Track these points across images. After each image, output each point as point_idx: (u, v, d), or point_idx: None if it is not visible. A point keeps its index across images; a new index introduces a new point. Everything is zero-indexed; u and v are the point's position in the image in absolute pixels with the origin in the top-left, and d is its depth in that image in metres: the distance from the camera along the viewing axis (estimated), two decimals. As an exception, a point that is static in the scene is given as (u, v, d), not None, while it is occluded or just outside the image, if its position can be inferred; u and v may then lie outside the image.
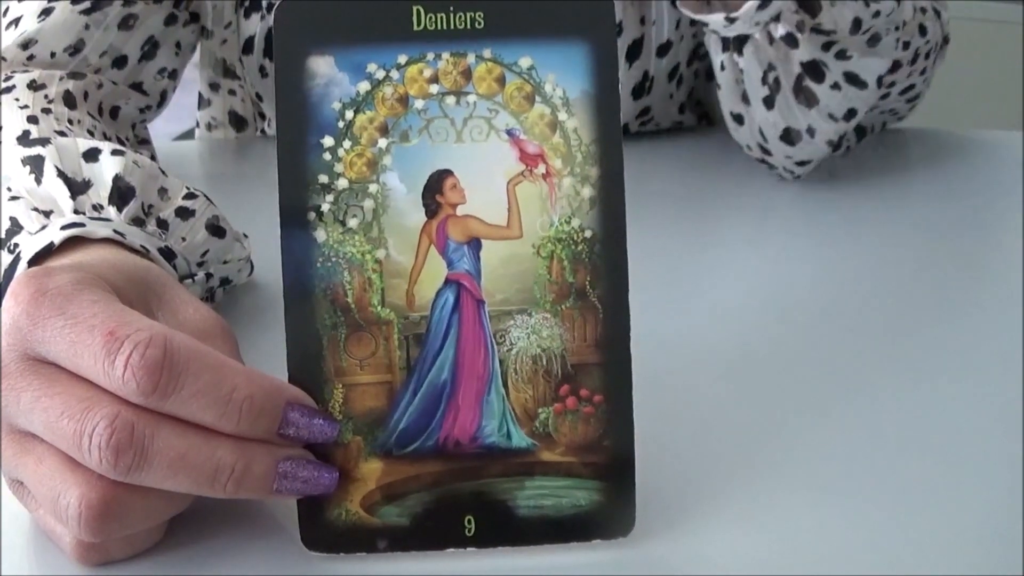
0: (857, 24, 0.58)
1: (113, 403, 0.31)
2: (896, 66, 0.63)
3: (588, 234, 0.35)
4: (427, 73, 0.35)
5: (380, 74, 0.35)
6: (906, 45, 0.63)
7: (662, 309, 0.51)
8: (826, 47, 0.60)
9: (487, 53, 0.35)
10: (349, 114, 0.35)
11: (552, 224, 0.35)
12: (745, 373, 0.46)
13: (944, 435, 0.42)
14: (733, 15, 0.57)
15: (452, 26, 0.35)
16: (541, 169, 0.35)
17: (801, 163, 0.66)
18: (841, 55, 0.60)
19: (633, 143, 0.76)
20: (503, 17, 0.35)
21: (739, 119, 0.66)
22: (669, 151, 0.75)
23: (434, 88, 0.35)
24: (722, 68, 0.64)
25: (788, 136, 0.64)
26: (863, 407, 0.44)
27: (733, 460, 0.40)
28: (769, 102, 0.63)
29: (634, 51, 0.72)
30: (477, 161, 0.35)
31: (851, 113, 0.62)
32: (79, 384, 0.32)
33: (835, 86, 0.61)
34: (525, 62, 0.35)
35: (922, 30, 0.65)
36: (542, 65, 0.35)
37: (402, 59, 0.35)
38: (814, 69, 0.61)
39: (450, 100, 0.35)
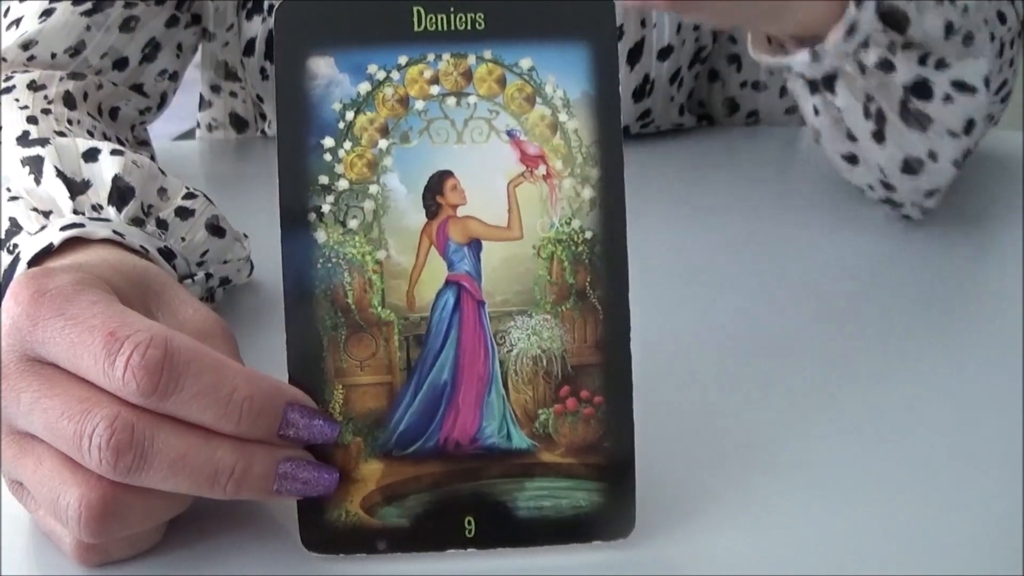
0: (949, 28, 0.54)
1: (113, 404, 0.31)
2: (992, 58, 0.58)
3: (588, 235, 0.35)
4: (428, 74, 0.35)
5: (381, 75, 0.35)
6: (992, 37, 0.58)
7: (662, 310, 0.51)
8: (923, 61, 0.54)
9: (488, 54, 0.35)
10: (349, 115, 0.35)
11: (552, 225, 0.35)
12: (745, 373, 0.46)
13: (944, 435, 0.42)
14: (818, 48, 0.52)
15: (453, 27, 0.35)
16: (541, 170, 0.35)
17: (929, 193, 0.59)
18: (941, 65, 0.54)
19: (633, 144, 0.76)
20: (504, 18, 0.35)
21: (851, 159, 0.59)
22: (669, 152, 0.75)
23: (435, 89, 0.35)
24: (816, 112, 0.58)
25: (909, 166, 0.57)
26: (864, 407, 0.44)
27: (733, 460, 0.40)
28: (879, 136, 0.56)
29: (635, 54, 0.72)
30: (477, 162, 0.35)
31: (970, 124, 0.56)
32: (79, 385, 0.32)
33: (947, 98, 0.55)
34: (526, 63, 0.35)
35: (1001, 18, 0.60)
36: (543, 66, 0.35)
37: (403, 60, 0.35)
38: (919, 88, 0.55)
39: (451, 101, 0.35)
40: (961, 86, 0.55)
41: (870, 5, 0.51)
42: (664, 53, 0.73)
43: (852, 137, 0.57)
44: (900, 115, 0.55)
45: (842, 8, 0.51)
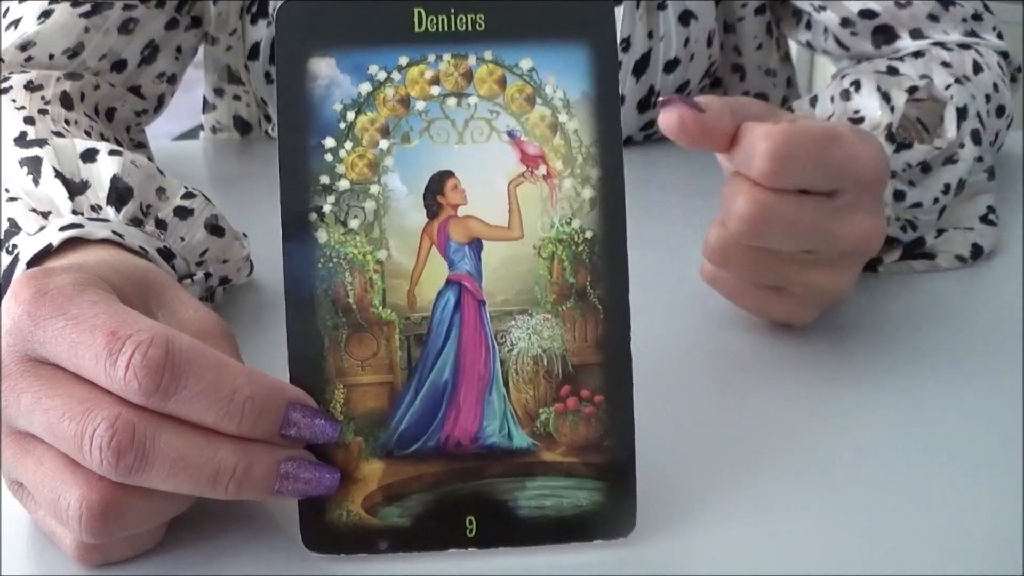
0: (941, 212, 0.54)
1: (114, 404, 0.31)
2: (992, 171, 0.58)
3: (589, 235, 0.35)
4: (428, 75, 0.35)
5: (381, 75, 0.35)
6: (993, 141, 0.59)
7: (663, 309, 0.51)
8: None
9: (488, 55, 0.35)
10: (350, 115, 0.35)
11: (553, 225, 0.35)
12: (746, 373, 0.46)
13: (944, 435, 0.42)
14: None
15: (453, 28, 0.35)
16: (542, 170, 0.35)
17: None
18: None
19: (634, 146, 0.76)
20: (504, 19, 0.35)
21: None
22: (669, 152, 0.75)
23: (435, 90, 0.35)
24: None
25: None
26: (864, 407, 0.44)
27: (734, 460, 0.40)
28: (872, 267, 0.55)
29: (641, 66, 0.72)
30: (478, 162, 0.35)
31: (978, 250, 0.55)
32: (80, 385, 0.32)
33: (939, 232, 0.55)
34: (526, 64, 0.35)
35: (999, 111, 0.61)
36: (543, 67, 0.35)
37: (403, 61, 0.35)
38: (907, 250, 0.55)
39: (451, 102, 0.35)
40: (956, 228, 0.55)
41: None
42: (671, 66, 0.73)
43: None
44: (898, 261, 0.55)
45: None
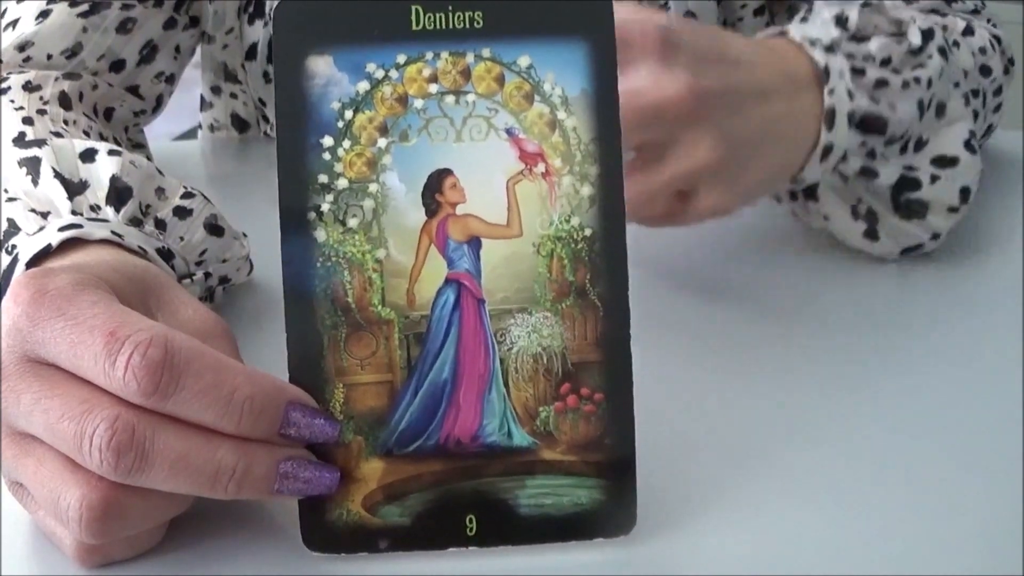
0: (920, 107, 0.53)
1: (113, 404, 0.31)
2: (974, 117, 0.58)
3: (588, 232, 0.35)
4: (426, 72, 0.35)
5: (379, 74, 0.35)
6: (975, 93, 0.58)
7: (663, 307, 0.51)
8: (903, 150, 0.53)
9: (486, 52, 0.35)
10: (348, 114, 0.35)
11: (552, 223, 0.35)
12: (746, 371, 0.46)
13: (945, 435, 0.42)
14: (795, 176, 0.52)
15: (451, 25, 0.35)
16: (540, 168, 0.35)
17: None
18: (920, 145, 0.54)
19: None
20: (502, 16, 0.35)
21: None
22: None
23: (433, 87, 0.35)
24: (794, 215, 0.57)
25: (912, 249, 0.56)
26: (864, 406, 0.44)
27: (735, 458, 0.40)
28: (872, 234, 0.55)
29: None
30: (477, 160, 0.35)
31: (966, 192, 0.55)
32: (79, 385, 0.32)
33: (933, 179, 0.54)
34: (524, 61, 0.35)
35: (984, 71, 0.60)
36: (541, 64, 0.35)
37: (401, 59, 0.35)
38: (907, 182, 0.54)
39: (449, 99, 0.35)
40: (942, 161, 0.54)
41: (842, 122, 0.51)
42: None
43: (841, 239, 0.56)
44: (893, 210, 0.54)
45: (816, 133, 0.51)
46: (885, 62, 0.53)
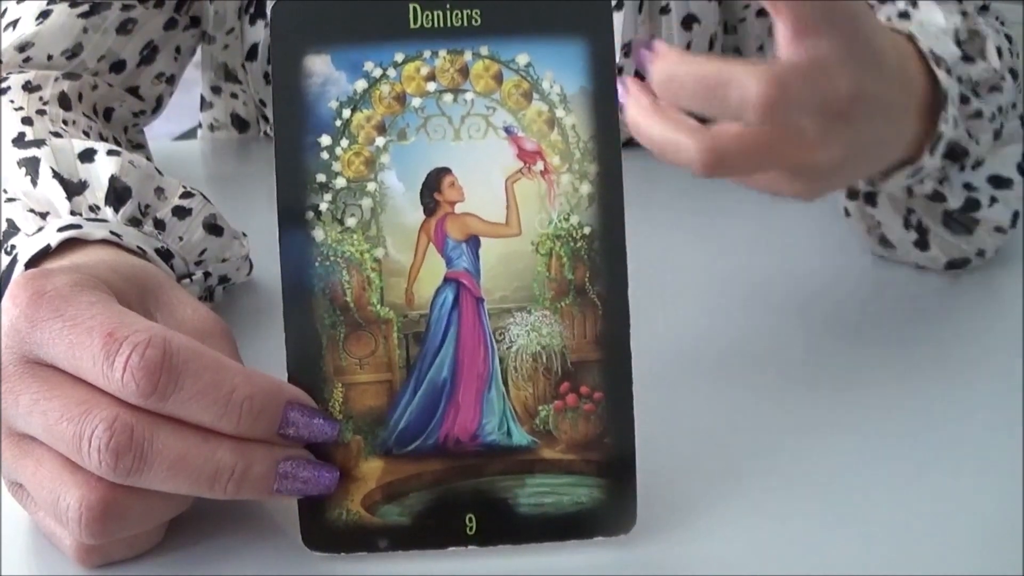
0: (996, 136, 0.52)
1: (112, 405, 0.31)
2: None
3: (587, 231, 0.35)
4: (424, 71, 0.35)
5: (377, 72, 0.35)
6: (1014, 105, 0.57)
7: (662, 306, 0.50)
8: (962, 167, 0.53)
9: (484, 50, 0.35)
10: (346, 113, 0.35)
11: (551, 221, 0.35)
12: (746, 370, 0.46)
13: (944, 435, 0.42)
14: (877, 183, 0.51)
15: (449, 24, 0.35)
16: (539, 166, 0.35)
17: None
18: (977, 164, 0.53)
19: (633, 145, 0.75)
20: (500, 14, 0.35)
21: (883, 257, 0.57)
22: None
23: (431, 86, 0.35)
24: (847, 214, 0.56)
25: (955, 264, 0.55)
26: (864, 406, 0.44)
27: (734, 457, 0.40)
28: (922, 244, 0.54)
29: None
30: (475, 159, 0.35)
31: (1016, 215, 0.54)
32: (78, 386, 0.32)
33: (992, 200, 0.53)
34: (522, 59, 0.35)
35: (1014, 74, 0.58)
36: (539, 62, 0.35)
37: (399, 57, 0.35)
38: (969, 203, 0.53)
39: (447, 98, 0.35)
40: (998, 181, 0.54)
41: (940, 149, 0.49)
42: None
43: (888, 243, 0.55)
44: (944, 224, 0.54)
45: (911, 151, 0.48)
46: (977, 85, 0.52)
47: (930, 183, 0.52)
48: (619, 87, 0.37)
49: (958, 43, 0.52)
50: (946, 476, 0.39)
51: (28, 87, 0.56)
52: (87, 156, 0.46)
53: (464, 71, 0.35)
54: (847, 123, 0.43)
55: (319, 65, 0.34)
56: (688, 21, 0.72)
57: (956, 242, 0.54)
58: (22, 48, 0.59)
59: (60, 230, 0.41)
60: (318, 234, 0.34)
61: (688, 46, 0.72)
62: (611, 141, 0.35)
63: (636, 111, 0.42)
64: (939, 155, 0.50)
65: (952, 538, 0.36)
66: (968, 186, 0.53)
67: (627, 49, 0.70)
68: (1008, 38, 0.64)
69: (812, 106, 0.42)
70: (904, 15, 0.56)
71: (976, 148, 0.52)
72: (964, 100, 0.51)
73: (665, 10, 0.71)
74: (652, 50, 0.41)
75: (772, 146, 0.42)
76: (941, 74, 0.49)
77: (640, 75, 0.42)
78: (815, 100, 0.42)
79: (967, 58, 0.52)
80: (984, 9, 0.65)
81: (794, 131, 0.42)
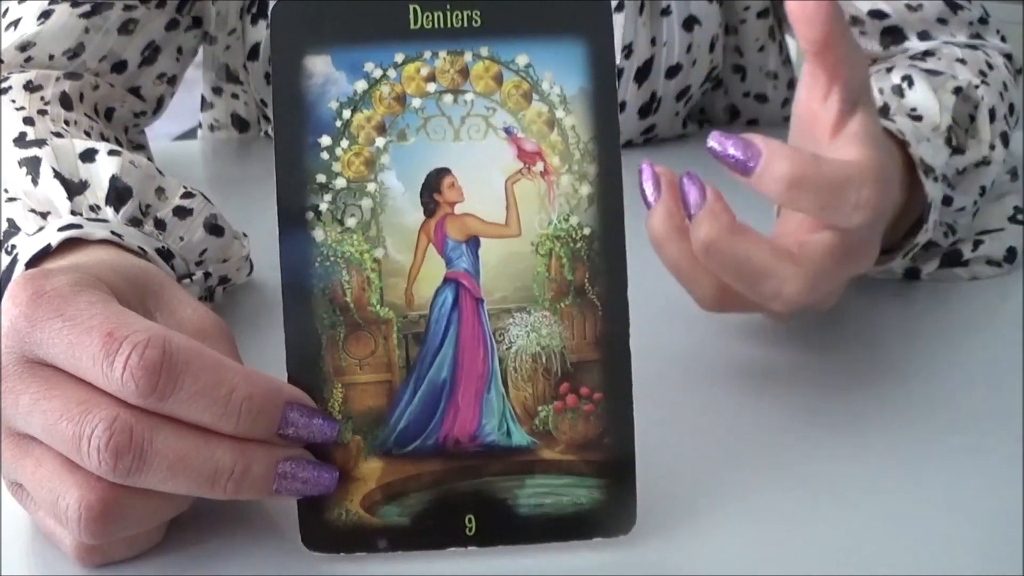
0: (975, 215, 0.54)
1: (112, 405, 0.31)
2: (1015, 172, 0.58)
3: (587, 231, 0.35)
4: (424, 72, 0.35)
5: (377, 73, 0.35)
6: (1004, 137, 0.57)
7: (662, 306, 0.50)
8: (945, 235, 0.53)
9: (484, 51, 0.35)
10: (346, 113, 0.35)
11: (550, 222, 0.35)
12: (746, 371, 0.46)
13: (944, 435, 0.42)
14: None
15: (449, 24, 0.35)
16: (539, 167, 0.35)
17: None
18: (964, 228, 0.54)
19: (633, 146, 0.75)
20: (500, 15, 0.35)
21: None
22: (668, 150, 0.75)
23: (431, 87, 0.35)
24: None
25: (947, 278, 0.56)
26: (864, 406, 0.44)
27: (734, 457, 0.40)
28: (914, 274, 0.55)
29: (643, 72, 0.72)
30: (475, 159, 0.35)
31: (1012, 252, 0.55)
32: (78, 386, 0.32)
33: (976, 245, 0.54)
34: (522, 60, 0.35)
35: (1012, 110, 0.60)
36: (539, 63, 0.35)
37: (399, 58, 0.35)
38: (948, 258, 0.54)
39: (447, 98, 0.35)
40: (987, 231, 0.54)
41: (913, 251, 0.50)
42: (672, 71, 0.72)
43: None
44: (937, 271, 0.54)
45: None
46: (961, 171, 0.52)
47: (900, 266, 0.53)
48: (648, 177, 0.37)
49: (950, 144, 0.52)
50: (946, 476, 0.39)
51: (29, 87, 0.56)
52: (88, 156, 0.46)
53: (464, 72, 0.35)
54: (854, 235, 0.42)
55: (319, 65, 0.34)
56: (689, 22, 0.72)
57: (948, 274, 0.55)
58: (23, 48, 0.59)
59: (61, 230, 0.41)
60: (318, 234, 0.34)
61: (688, 48, 0.72)
62: (611, 142, 0.35)
63: (717, 231, 0.40)
64: (912, 253, 0.50)
65: (952, 538, 0.36)
66: (951, 244, 0.54)
67: (627, 51, 0.70)
68: (1008, 56, 0.64)
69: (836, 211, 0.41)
70: (898, 91, 0.56)
71: (950, 237, 0.53)
72: (947, 202, 0.51)
73: (666, 11, 0.71)
74: (697, 196, 0.41)
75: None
76: (928, 184, 0.49)
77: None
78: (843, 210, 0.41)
79: (957, 151, 0.52)
80: (983, 22, 0.65)
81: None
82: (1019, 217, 0.56)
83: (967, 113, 0.55)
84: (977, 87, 0.56)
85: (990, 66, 0.61)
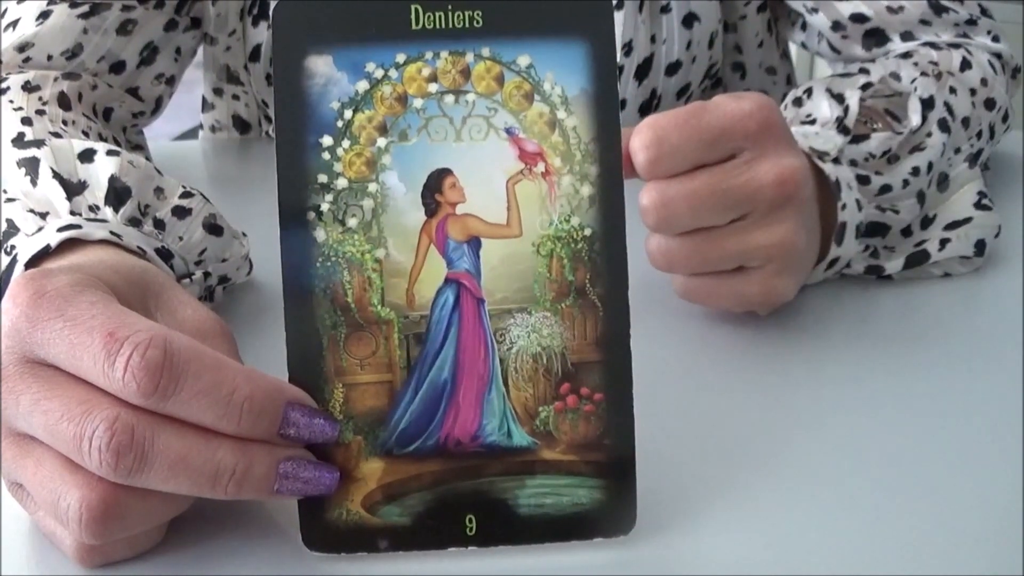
0: (921, 199, 0.53)
1: (113, 405, 0.31)
2: (975, 159, 0.58)
3: (588, 232, 0.35)
4: (426, 72, 0.35)
5: (379, 73, 0.35)
6: (979, 136, 0.58)
7: (662, 307, 0.50)
8: (907, 233, 0.54)
9: (486, 52, 0.35)
10: (348, 113, 0.35)
11: (552, 222, 0.35)
12: (745, 371, 0.46)
13: (944, 434, 0.42)
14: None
15: (450, 25, 0.35)
16: (540, 167, 0.35)
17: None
18: (927, 222, 0.54)
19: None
20: (501, 15, 0.35)
21: None
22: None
23: (433, 87, 0.35)
24: None
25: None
26: (864, 406, 0.44)
27: (735, 458, 0.40)
28: (879, 272, 0.55)
29: (643, 69, 0.72)
30: (476, 160, 0.35)
31: (981, 245, 0.55)
32: (79, 386, 0.32)
33: (943, 244, 0.54)
34: (524, 60, 0.35)
35: (988, 104, 0.60)
36: (541, 63, 0.35)
37: (400, 58, 0.35)
38: (915, 258, 0.54)
39: (449, 99, 0.35)
40: (954, 224, 0.55)
41: (851, 234, 0.51)
42: (672, 68, 0.72)
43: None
44: (905, 270, 0.54)
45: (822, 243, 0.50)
46: (885, 154, 0.53)
47: (860, 263, 0.53)
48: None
49: (843, 131, 0.53)
50: (946, 476, 0.39)
51: (28, 87, 0.56)
52: (87, 156, 0.46)
53: (466, 72, 0.35)
54: (790, 206, 0.45)
55: (321, 66, 0.34)
56: (689, 19, 0.72)
57: (920, 274, 0.55)
58: (22, 48, 0.59)
59: (60, 230, 0.41)
60: (319, 234, 0.34)
61: (688, 45, 0.72)
62: (612, 143, 0.35)
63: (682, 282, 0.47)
64: (852, 239, 0.51)
65: (952, 538, 0.36)
66: (916, 244, 0.54)
67: (627, 48, 0.70)
68: (998, 55, 0.64)
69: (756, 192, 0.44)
70: (797, 103, 0.57)
71: (899, 217, 0.53)
72: (863, 180, 0.52)
73: (666, 9, 0.71)
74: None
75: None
76: (827, 166, 0.50)
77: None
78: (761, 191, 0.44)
79: (857, 139, 0.52)
80: (971, 23, 0.66)
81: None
82: (984, 202, 0.56)
83: (882, 108, 0.56)
84: (913, 80, 0.57)
85: (966, 63, 0.61)
